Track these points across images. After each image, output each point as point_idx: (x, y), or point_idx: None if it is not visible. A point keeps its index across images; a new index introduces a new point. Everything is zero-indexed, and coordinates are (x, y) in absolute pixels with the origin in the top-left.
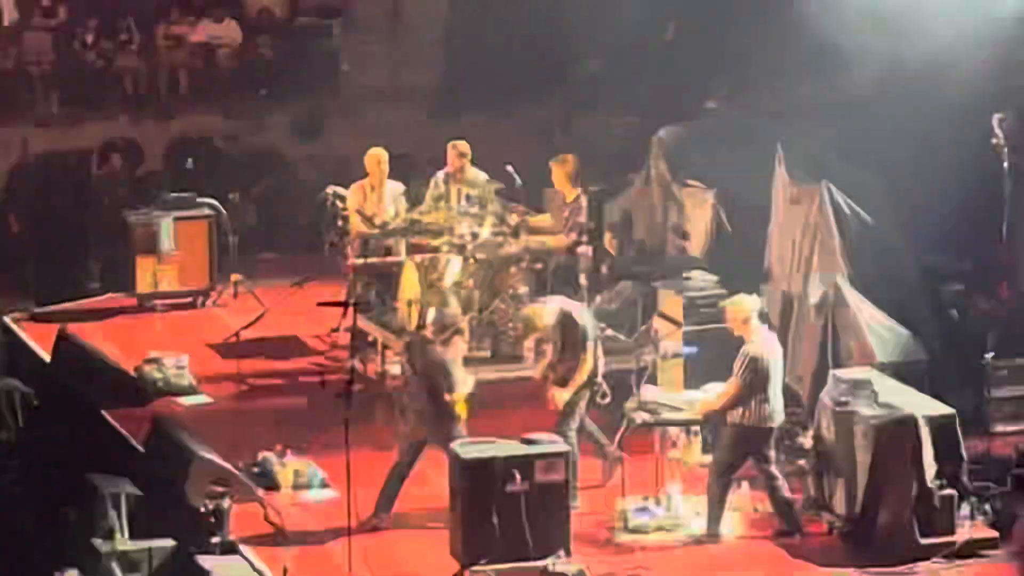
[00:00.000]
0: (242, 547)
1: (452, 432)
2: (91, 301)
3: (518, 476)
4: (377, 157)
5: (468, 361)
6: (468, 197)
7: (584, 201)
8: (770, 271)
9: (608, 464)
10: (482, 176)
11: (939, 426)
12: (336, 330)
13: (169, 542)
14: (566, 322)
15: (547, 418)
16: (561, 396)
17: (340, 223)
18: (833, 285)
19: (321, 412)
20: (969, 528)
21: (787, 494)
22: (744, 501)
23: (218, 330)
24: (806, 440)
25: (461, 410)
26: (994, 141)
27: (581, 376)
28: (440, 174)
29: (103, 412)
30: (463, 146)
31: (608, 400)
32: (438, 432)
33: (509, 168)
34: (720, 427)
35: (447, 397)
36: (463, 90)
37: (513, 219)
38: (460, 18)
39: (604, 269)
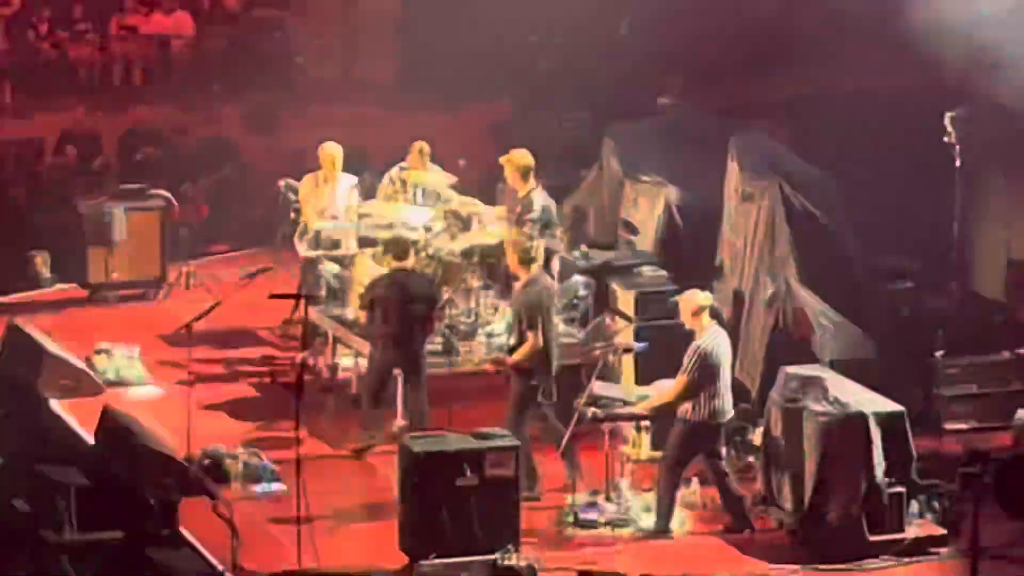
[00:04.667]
0: (191, 540)
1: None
2: (42, 292)
3: (468, 470)
4: (331, 153)
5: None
6: (423, 191)
7: (536, 196)
8: (722, 268)
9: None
10: (436, 171)
11: (888, 424)
12: (288, 322)
13: (118, 534)
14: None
15: (499, 413)
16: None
17: (292, 215)
18: (784, 282)
19: (272, 405)
20: (918, 526)
21: (737, 490)
22: (694, 497)
23: (169, 321)
24: (756, 437)
25: None
26: (946, 140)
27: (522, 352)
28: (394, 170)
29: (53, 403)
30: (425, 146)
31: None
32: (414, 360)
33: (462, 163)
34: (670, 423)
35: (436, 323)
36: (417, 84)
37: (465, 211)
38: (414, 12)
39: (555, 264)
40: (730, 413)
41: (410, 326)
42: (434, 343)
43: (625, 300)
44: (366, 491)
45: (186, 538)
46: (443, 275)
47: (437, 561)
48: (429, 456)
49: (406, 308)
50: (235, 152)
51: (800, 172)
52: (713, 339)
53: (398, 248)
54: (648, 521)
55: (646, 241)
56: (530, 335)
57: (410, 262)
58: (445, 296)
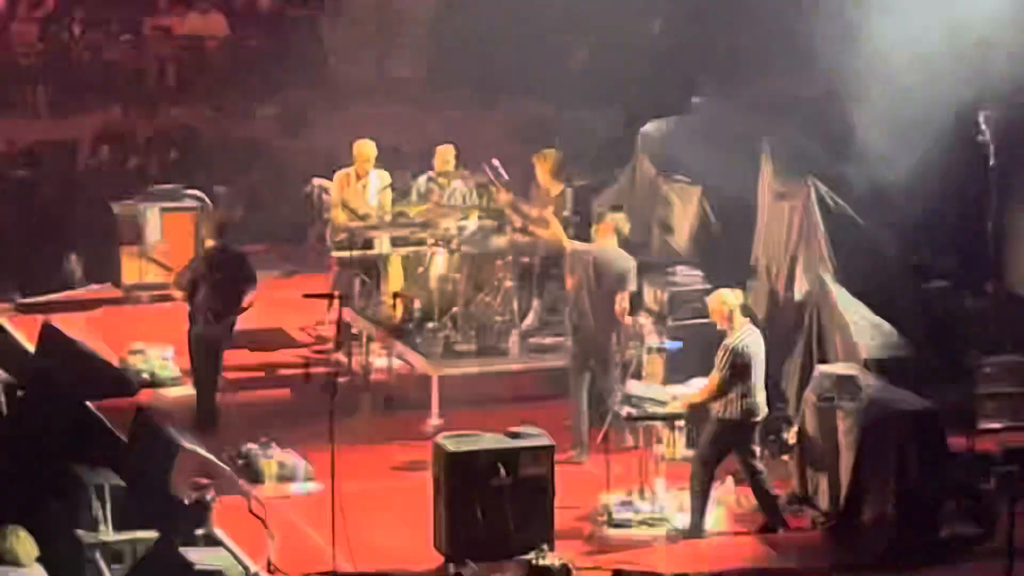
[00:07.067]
0: (226, 539)
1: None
2: (76, 292)
3: (502, 469)
4: (365, 151)
5: (453, 355)
6: (454, 191)
7: (568, 196)
8: (756, 266)
9: None
10: (466, 175)
11: (923, 423)
12: (322, 323)
13: (153, 534)
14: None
15: (530, 412)
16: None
17: (325, 216)
18: (818, 281)
19: (306, 404)
20: (953, 525)
21: (771, 489)
22: (728, 496)
23: None
24: (790, 435)
25: None
26: (980, 138)
27: None
28: (423, 178)
29: (87, 403)
30: (449, 151)
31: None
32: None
33: (495, 163)
34: (704, 422)
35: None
36: (449, 84)
37: (502, 200)
38: (447, 12)
39: None
40: (764, 411)
41: (229, 300)
42: (468, 343)
43: (658, 299)
44: (401, 490)
45: (220, 538)
46: (477, 274)
47: (472, 561)
48: (464, 456)
49: (227, 283)
50: (268, 152)
51: (834, 170)
52: (745, 338)
53: (218, 229)
54: (682, 520)
55: (680, 240)
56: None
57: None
58: (477, 298)
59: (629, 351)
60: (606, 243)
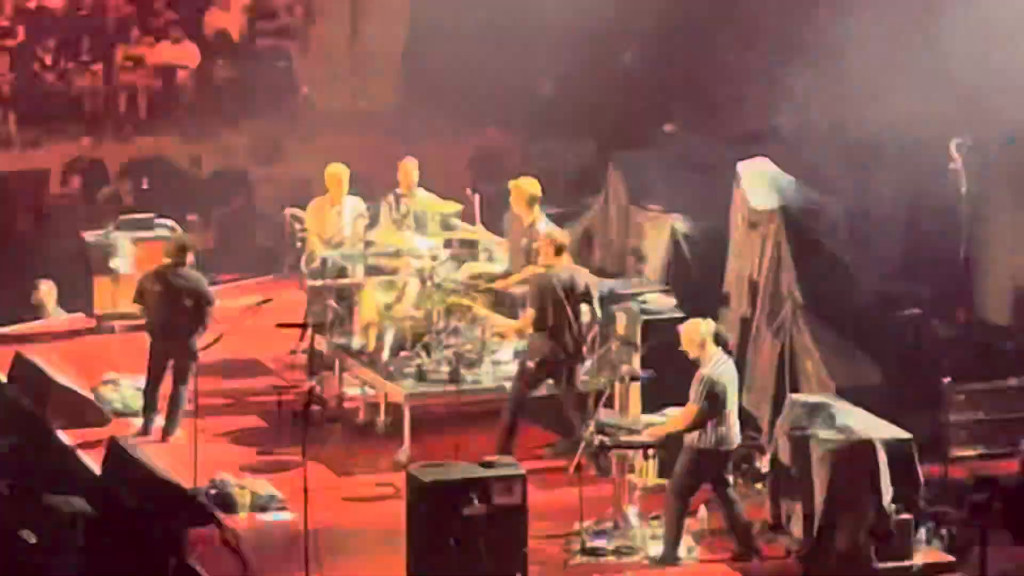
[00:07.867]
0: (199, 570)
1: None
2: (49, 322)
3: (475, 498)
4: (337, 174)
5: (425, 383)
6: (426, 217)
7: (540, 223)
8: (728, 295)
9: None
10: (436, 199)
11: (896, 451)
12: (294, 352)
13: (126, 565)
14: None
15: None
16: None
17: (299, 245)
18: (790, 309)
19: (279, 434)
20: (926, 553)
21: (745, 518)
22: (701, 525)
23: None
24: (763, 464)
25: None
26: (951, 166)
27: (513, 324)
28: (391, 197)
29: (59, 433)
30: (409, 165)
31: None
32: (182, 350)
33: (469, 191)
34: (677, 450)
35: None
36: (421, 113)
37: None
38: (418, 41)
39: None
40: (738, 440)
41: (177, 318)
42: (439, 371)
43: (631, 327)
44: (374, 520)
45: (194, 568)
46: (448, 303)
47: None
48: (436, 485)
49: (173, 301)
50: (242, 182)
51: (806, 199)
52: (719, 367)
53: (175, 249)
54: (656, 549)
55: (653, 269)
56: (521, 313)
57: (188, 259)
58: (451, 325)
59: (602, 379)
60: (561, 264)
